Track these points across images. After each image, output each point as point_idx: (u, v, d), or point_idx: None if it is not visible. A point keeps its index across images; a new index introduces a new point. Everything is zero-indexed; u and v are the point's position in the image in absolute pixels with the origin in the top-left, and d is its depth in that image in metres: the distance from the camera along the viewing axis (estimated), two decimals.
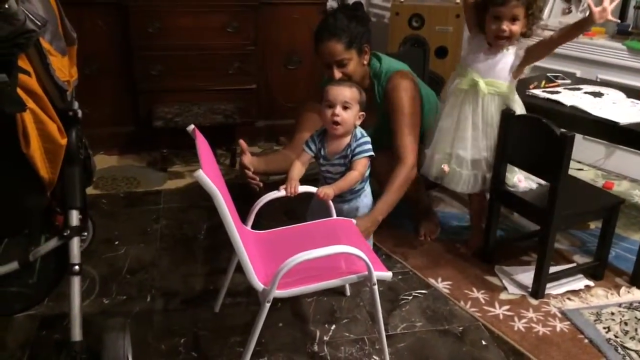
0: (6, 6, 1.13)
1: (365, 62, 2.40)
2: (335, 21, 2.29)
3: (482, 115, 2.24)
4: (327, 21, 2.32)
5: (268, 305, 1.63)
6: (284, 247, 1.89)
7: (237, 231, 1.62)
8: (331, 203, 2.08)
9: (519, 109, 2.28)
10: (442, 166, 2.33)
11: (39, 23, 1.24)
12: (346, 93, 2.06)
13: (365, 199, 2.24)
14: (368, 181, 2.26)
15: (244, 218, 1.94)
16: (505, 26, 2.09)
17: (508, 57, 2.19)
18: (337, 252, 1.68)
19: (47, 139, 1.41)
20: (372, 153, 2.11)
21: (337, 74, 2.31)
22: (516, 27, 2.10)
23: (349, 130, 2.10)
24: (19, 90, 1.27)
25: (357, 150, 2.09)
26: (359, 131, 2.12)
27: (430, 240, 2.63)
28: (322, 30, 2.31)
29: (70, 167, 1.61)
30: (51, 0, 1.57)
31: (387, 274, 1.76)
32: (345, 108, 2.05)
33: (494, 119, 2.24)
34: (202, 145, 1.76)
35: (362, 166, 2.10)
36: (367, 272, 1.70)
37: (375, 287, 1.72)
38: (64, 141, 1.49)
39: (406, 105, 2.36)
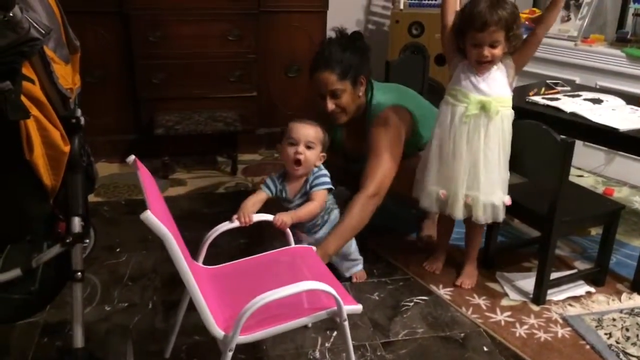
0: (11, 14, 1.14)
1: (361, 94, 2.36)
2: (330, 52, 2.26)
3: (498, 137, 2.12)
4: (322, 52, 2.29)
5: (230, 353, 1.48)
6: (241, 284, 1.78)
7: (193, 270, 1.50)
8: (289, 231, 2.01)
9: (511, 121, 2.18)
10: (440, 192, 2.22)
11: (43, 31, 1.25)
12: (310, 132, 2.04)
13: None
14: (334, 209, 2.23)
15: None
16: (487, 52, 2.02)
17: (500, 71, 2.12)
18: (305, 289, 1.56)
19: (51, 146, 1.42)
20: (330, 186, 2.09)
21: (330, 105, 2.29)
22: (497, 51, 2.04)
23: (309, 171, 2.08)
24: (22, 98, 1.28)
25: (315, 182, 2.07)
26: (316, 167, 2.10)
27: (433, 246, 2.63)
28: (316, 61, 2.29)
29: (73, 174, 1.62)
30: (54, 8, 1.59)
31: (357, 308, 1.64)
32: (308, 147, 2.03)
33: (506, 137, 2.14)
34: (146, 178, 1.62)
35: (320, 196, 2.07)
36: (336, 307, 1.58)
37: (346, 322, 1.60)
38: (66, 148, 1.50)
39: (383, 146, 2.28)
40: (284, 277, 1.79)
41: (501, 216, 2.21)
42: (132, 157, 1.65)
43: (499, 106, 2.11)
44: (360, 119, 2.41)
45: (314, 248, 2.01)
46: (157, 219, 1.34)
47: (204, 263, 1.87)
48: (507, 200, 2.20)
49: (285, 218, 1.97)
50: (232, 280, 1.81)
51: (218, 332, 1.48)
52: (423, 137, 2.42)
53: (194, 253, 1.89)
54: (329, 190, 2.10)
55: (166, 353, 1.93)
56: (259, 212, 1.99)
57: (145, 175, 1.62)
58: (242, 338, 1.48)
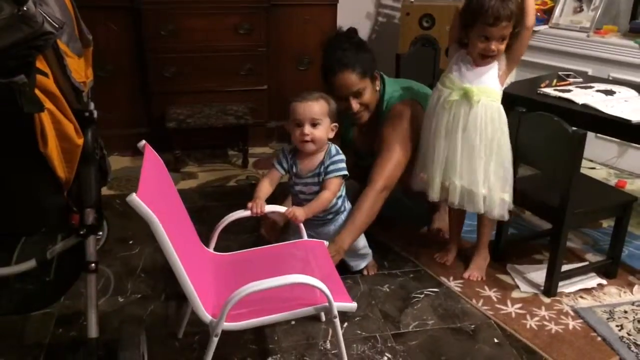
0: (25, 8, 1.16)
1: (378, 88, 2.37)
2: (344, 53, 2.23)
3: (478, 127, 2.10)
4: (334, 54, 2.25)
5: (216, 339, 1.51)
6: (244, 272, 1.79)
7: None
8: (302, 225, 1.99)
9: (503, 118, 2.14)
10: (421, 175, 2.27)
11: (56, 25, 1.26)
12: (314, 108, 1.96)
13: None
14: (345, 198, 2.22)
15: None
16: (494, 46, 2.02)
17: (492, 64, 2.11)
18: (290, 282, 1.54)
19: (64, 138, 1.44)
20: (345, 173, 2.04)
21: (355, 105, 2.29)
22: (503, 47, 2.04)
23: (322, 146, 2.03)
24: (37, 91, 1.30)
25: (330, 168, 2.02)
26: (334, 148, 2.05)
27: (443, 239, 2.63)
28: (332, 64, 2.25)
29: (86, 167, 1.63)
30: (67, 2, 1.60)
31: (351, 305, 1.63)
32: (314, 125, 1.97)
33: (488, 129, 2.11)
34: (148, 164, 1.64)
35: (334, 185, 2.02)
36: (327, 303, 1.57)
37: (337, 320, 1.59)
38: (80, 141, 1.51)
39: (395, 139, 2.29)
40: (288, 269, 1.79)
41: (480, 207, 2.17)
42: (143, 142, 1.70)
43: (481, 96, 2.09)
44: (373, 115, 2.41)
45: (326, 243, 2.01)
46: (143, 202, 1.35)
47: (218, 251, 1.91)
48: (486, 192, 2.17)
49: (298, 212, 1.94)
50: (238, 268, 1.83)
51: (205, 316, 1.51)
52: None
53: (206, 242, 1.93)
54: (343, 177, 2.06)
55: (179, 333, 1.98)
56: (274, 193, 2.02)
57: (149, 160, 1.64)
58: (228, 325, 1.51)
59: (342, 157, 2.06)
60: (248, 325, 1.56)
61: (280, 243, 2.01)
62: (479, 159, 2.14)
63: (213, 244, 1.92)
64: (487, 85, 2.11)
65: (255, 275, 1.59)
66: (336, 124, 2.05)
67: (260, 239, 2.39)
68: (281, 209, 1.98)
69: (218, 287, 1.70)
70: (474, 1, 2.02)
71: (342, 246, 2.13)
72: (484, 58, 2.08)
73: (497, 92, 2.13)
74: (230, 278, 1.76)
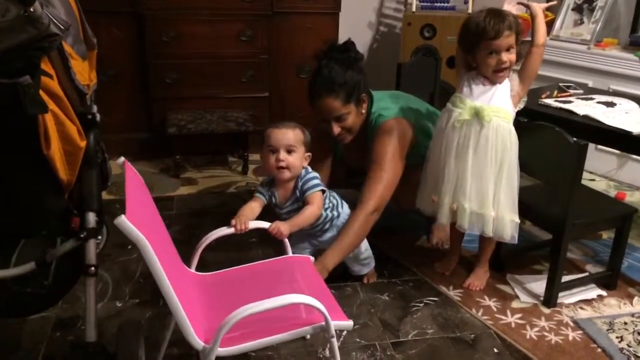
0: (31, 10, 1.16)
1: (364, 111, 2.30)
2: (330, 73, 2.16)
3: (489, 147, 2.07)
4: (321, 75, 2.19)
5: None
6: (232, 293, 1.73)
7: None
8: (287, 240, 1.96)
9: (514, 139, 2.10)
10: (432, 197, 2.22)
11: (62, 27, 1.26)
12: (289, 136, 1.96)
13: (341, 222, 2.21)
14: (338, 204, 2.20)
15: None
16: (505, 57, 2.01)
17: (503, 85, 2.10)
18: (289, 302, 1.47)
19: (67, 140, 1.44)
20: (322, 188, 2.03)
21: (336, 129, 2.24)
22: (513, 56, 2.03)
23: (297, 174, 2.03)
24: (41, 92, 1.29)
25: (306, 187, 2.01)
26: (303, 170, 2.04)
27: (442, 249, 2.63)
28: (317, 85, 2.20)
29: (88, 170, 1.63)
30: (73, 5, 1.60)
31: (347, 324, 1.59)
32: (289, 152, 1.97)
33: (499, 149, 2.07)
34: (131, 181, 1.59)
35: (317, 199, 2.01)
36: (324, 323, 1.51)
37: (334, 339, 1.54)
38: (83, 143, 1.51)
39: (385, 158, 2.24)
40: (277, 288, 1.74)
41: (490, 229, 2.12)
42: (122, 159, 1.67)
43: (493, 115, 2.06)
44: (361, 131, 2.36)
45: (312, 259, 1.97)
46: (132, 224, 1.31)
47: (202, 267, 1.86)
48: (495, 214, 2.12)
49: (282, 227, 1.90)
50: (223, 288, 1.76)
51: (197, 342, 1.43)
52: (427, 147, 2.38)
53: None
54: (322, 192, 2.05)
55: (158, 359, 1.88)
56: (259, 216, 1.97)
57: (130, 179, 1.60)
58: (222, 350, 1.43)
59: (314, 174, 2.05)
60: (243, 350, 1.48)
61: (264, 260, 1.96)
62: (489, 181, 2.10)
63: (194, 263, 1.84)
64: (499, 105, 2.08)
65: (244, 296, 1.53)
66: (309, 154, 2.04)
67: (248, 252, 2.36)
68: (265, 224, 1.93)
69: (204, 310, 1.63)
70: (471, 25, 2.03)
71: (326, 266, 2.09)
72: (498, 73, 2.06)
73: (508, 112, 2.10)
74: (217, 300, 1.69)
